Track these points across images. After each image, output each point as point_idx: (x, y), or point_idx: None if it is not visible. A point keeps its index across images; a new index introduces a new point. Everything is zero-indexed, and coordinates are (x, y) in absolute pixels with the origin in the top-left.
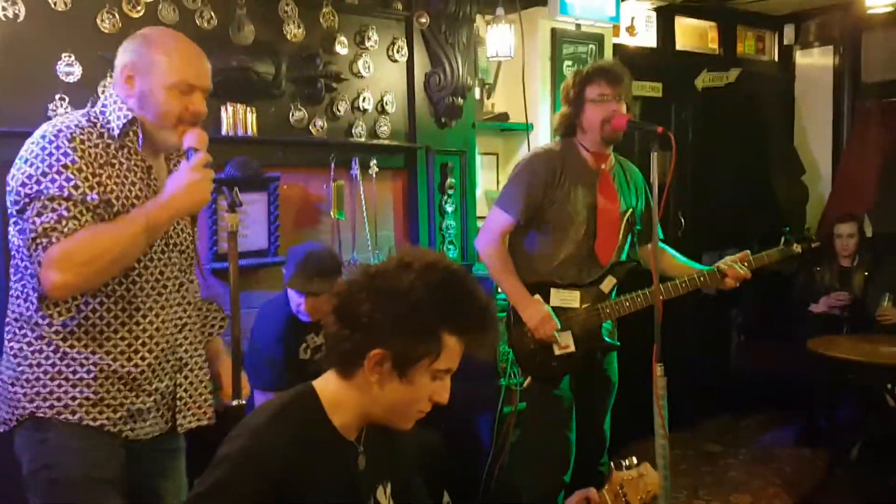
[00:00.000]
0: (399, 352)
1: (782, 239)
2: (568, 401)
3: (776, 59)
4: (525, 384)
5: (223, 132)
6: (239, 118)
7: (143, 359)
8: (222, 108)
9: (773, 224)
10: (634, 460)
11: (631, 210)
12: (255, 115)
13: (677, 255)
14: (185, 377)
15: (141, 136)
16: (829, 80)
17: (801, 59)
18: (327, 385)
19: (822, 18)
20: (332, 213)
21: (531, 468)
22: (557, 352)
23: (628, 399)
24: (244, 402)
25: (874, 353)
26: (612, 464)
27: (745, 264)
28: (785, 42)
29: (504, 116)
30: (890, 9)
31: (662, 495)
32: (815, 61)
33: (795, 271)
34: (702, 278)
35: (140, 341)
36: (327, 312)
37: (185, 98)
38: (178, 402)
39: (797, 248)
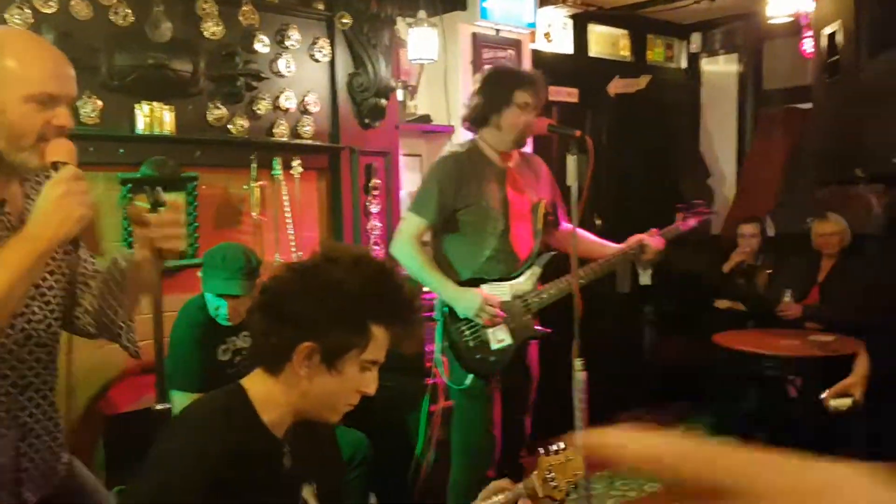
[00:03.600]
0: (328, 344)
1: (678, 214)
2: (491, 397)
3: (684, 66)
4: (468, 382)
5: (139, 131)
6: (155, 116)
7: None
8: (138, 107)
9: None
10: (562, 444)
11: (543, 201)
12: (172, 114)
13: (594, 237)
14: (30, 445)
15: None
16: (733, 87)
17: (707, 66)
18: (256, 383)
19: (726, 27)
20: (253, 214)
21: (457, 465)
22: (494, 346)
23: (549, 394)
24: (168, 405)
25: (776, 346)
26: (539, 449)
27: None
28: (692, 50)
29: (427, 118)
30: (790, 19)
31: (583, 485)
32: (720, 69)
33: (704, 270)
34: (622, 254)
35: None
36: (249, 313)
37: (47, 111)
38: (23, 475)
39: (692, 221)
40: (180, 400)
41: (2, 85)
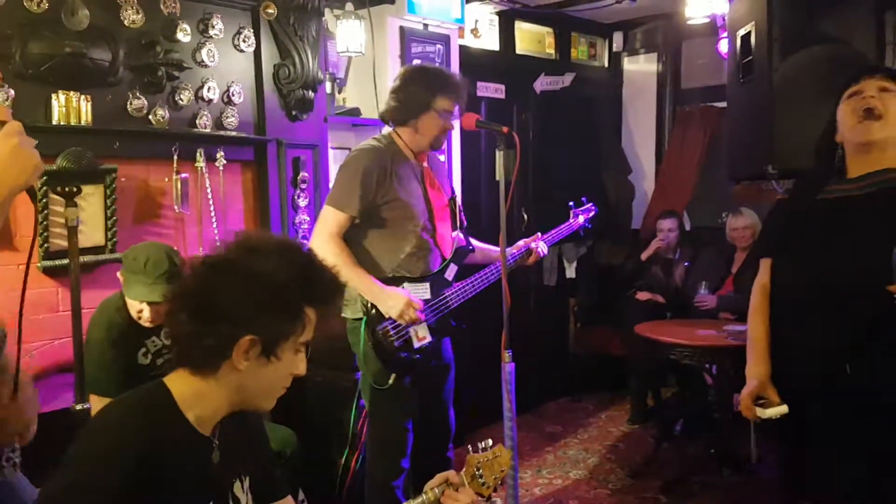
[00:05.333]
0: (268, 334)
1: (570, 213)
2: (408, 393)
3: (606, 64)
4: (391, 381)
5: (55, 121)
6: (72, 107)
7: None
8: (54, 96)
9: (605, 220)
10: (490, 442)
11: (455, 197)
12: (89, 104)
13: (480, 243)
14: None
15: None
16: (652, 85)
17: (629, 65)
18: (180, 381)
19: (647, 27)
20: (175, 208)
21: (372, 459)
22: (416, 344)
23: (478, 385)
24: (88, 405)
25: (693, 335)
26: (469, 446)
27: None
28: (614, 49)
29: (356, 111)
30: (707, 20)
31: (510, 475)
32: (640, 67)
33: (624, 262)
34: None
35: None
36: (169, 316)
37: None
38: None
39: (581, 218)
40: (100, 405)
41: None
